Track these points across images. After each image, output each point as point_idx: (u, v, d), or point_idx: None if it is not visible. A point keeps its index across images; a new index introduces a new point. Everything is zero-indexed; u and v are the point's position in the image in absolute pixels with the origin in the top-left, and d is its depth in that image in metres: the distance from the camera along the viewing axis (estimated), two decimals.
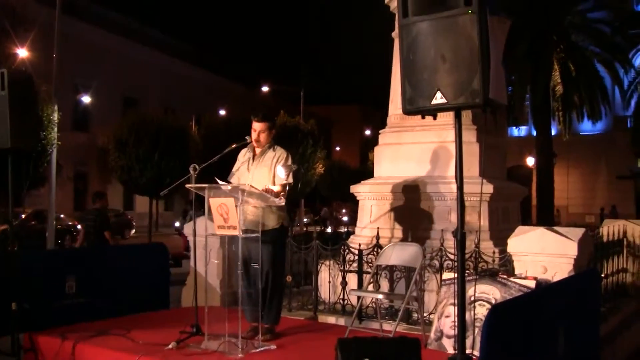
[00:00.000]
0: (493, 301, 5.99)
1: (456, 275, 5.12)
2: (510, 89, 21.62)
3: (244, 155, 7.11)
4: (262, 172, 6.83)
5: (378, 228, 8.41)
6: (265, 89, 51.13)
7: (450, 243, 7.39)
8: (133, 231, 35.33)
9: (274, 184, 6.70)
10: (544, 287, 5.91)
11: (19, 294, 6.66)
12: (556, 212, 35.21)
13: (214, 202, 6.27)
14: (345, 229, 23.16)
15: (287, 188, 6.69)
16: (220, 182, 6.33)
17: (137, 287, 8.12)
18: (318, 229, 16.37)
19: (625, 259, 10.03)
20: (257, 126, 6.89)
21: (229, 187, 6.31)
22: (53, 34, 20.13)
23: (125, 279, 8.05)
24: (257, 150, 6.96)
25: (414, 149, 8.96)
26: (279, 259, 6.91)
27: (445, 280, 6.74)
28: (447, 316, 6.34)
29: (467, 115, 8.54)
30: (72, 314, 7.27)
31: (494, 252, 7.65)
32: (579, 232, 6.42)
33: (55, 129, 18.75)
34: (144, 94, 43.48)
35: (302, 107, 43.34)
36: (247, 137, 6.93)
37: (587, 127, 26.77)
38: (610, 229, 9.56)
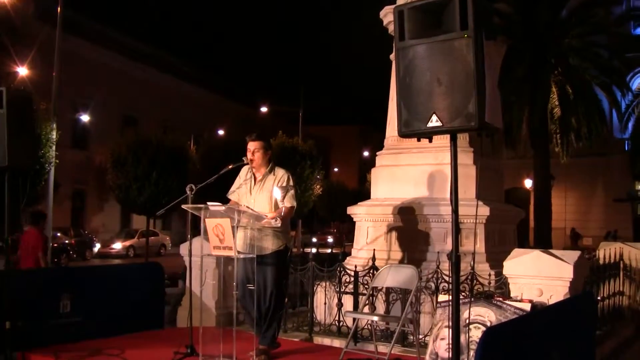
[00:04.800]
0: (488, 324, 5.97)
1: (451, 297, 5.11)
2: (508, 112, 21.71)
3: (245, 174, 7.11)
4: (263, 198, 6.85)
5: (374, 249, 8.40)
6: (264, 109, 51.22)
7: (446, 265, 7.37)
8: (96, 250, 34.15)
9: (274, 209, 6.71)
10: (539, 310, 5.90)
11: (12, 312, 6.63)
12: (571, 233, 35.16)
13: (210, 223, 6.27)
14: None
15: (284, 210, 6.66)
16: (210, 204, 6.32)
17: (132, 306, 8.11)
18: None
19: (622, 282, 10.02)
20: (251, 145, 6.92)
21: (223, 208, 6.31)
22: (53, 52, 20.22)
23: (120, 299, 8.04)
24: (258, 175, 6.97)
25: (411, 170, 8.98)
26: (281, 281, 6.90)
27: (440, 302, 6.72)
28: (443, 338, 6.31)
29: (464, 138, 8.56)
30: (66, 333, 7.26)
31: (489, 275, 7.63)
32: (575, 254, 6.42)
33: (54, 147, 18.78)
34: (143, 113, 43.57)
35: (301, 127, 43.41)
36: (243, 158, 6.95)
37: (584, 149, 26.80)
38: (606, 251, 9.56)
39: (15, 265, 12.32)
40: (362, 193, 29.35)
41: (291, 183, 6.86)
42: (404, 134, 4.49)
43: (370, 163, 10.39)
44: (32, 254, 11.86)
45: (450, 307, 4.58)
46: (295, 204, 6.80)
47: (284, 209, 6.56)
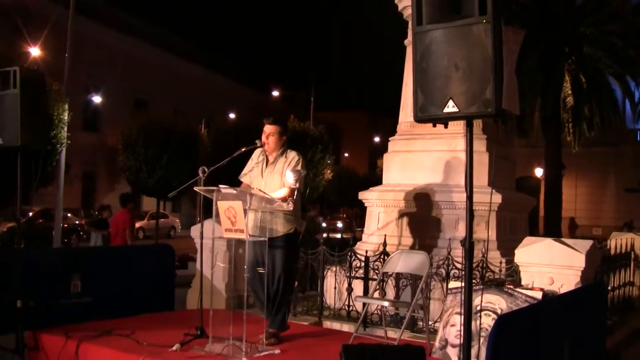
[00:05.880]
0: (499, 311, 5.97)
1: (463, 284, 5.10)
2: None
3: (258, 156, 7.08)
4: (274, 179, 6.82)
5: (385, 235, 8.40)
6: (275, 93, 51.13)
7: (457, 252, 7.38)
8: (106, 231, 33.88)
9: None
10: (550, 299, 5.89)
11: (24, 292, 6.65)
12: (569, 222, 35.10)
13: (222, 205, 6.26)
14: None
15: (296, 193, 6.65)
16: (222, 187, 6.31)
17: (143, 287, 8.13)
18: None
19: (633, 272, 10.00)
20: (267, 129, 6.88)
21: (235, 191, 6.30)
22: (66, 34, 20.20)
23: (131, 279, 8.06)
24: (270, 157, 6.95)
25: (424, 157, 8.95)
26: (290, 265, 6.89)
27: (451, 289, 6.72)
28: (453, 325, 6.32)
29: (477, 125, 8.53)
30: (76, 313, 7.27)
31: (501, 262, 7.63)
32: (587, 244, 6.40)
33: (65, 129, 18.80)
34: (155, 96, 43.55)
35: (312, 112, 43.29)
36: (256, 141, 6.93)
37: (596, 139, 26.73)
38: (618, 241, 9.53)
39: (107, 242, 14.06)
40: (372, 179, 29.23)
41: (300, 166, 6.83)
42: (420, 119, 4.47)
43: (381, 149, 10.38)
44: (120, 233, 13.28)
45: (462, 294, 4.57)
46: (301, 188, 6.79)
47: (288, 188, 6.56)
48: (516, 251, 6.52)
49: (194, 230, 9.02)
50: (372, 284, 7.90)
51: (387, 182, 9.43)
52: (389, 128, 10.53)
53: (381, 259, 7.99)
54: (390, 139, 9.66)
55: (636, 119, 30.69)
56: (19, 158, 6.93)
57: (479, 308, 6.02)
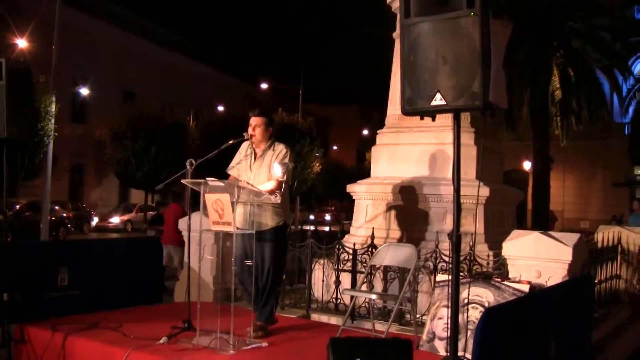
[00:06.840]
0: (486, 304, 5.98)
1: (450, 277, 5.11)
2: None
3: (246, 149, 7.07)
4: (262, 172, 6.82)
5: (373, 228, 8.39)
6: (264, 86, 51.06)
7: (445, 245, 7.36)
8: (94, 223, 33.90)
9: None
10: (537, 292, 5.90)
11: (10, 285, 6.62)
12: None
13: (210, 198, 6.24)
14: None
15: (283, 186, 6.65)
16: (210, 179, 6.29)
17: (130, 280, 8.10)
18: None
19: (619, 266, 10.03)
20: (253, 121, 6.88)
21: (223, 184, 6.29)
22: (53, 25, 20.09)
23: (119, 272, 8.02)
24: (258, 150, 6.94)
25: (412, 150, 8.95)
26: (279, 257, 6.89)
27: (439, 282, 6.73)
28: (440, 318, 6.32)
29: (465, 118, 8.53)
30: (63, 306, 7.24)
31: (488, 256, 7.63)
32: (574, 237, 6.40)
33: (53, 120, 18.73)
34: (143, 88, 43.39)
35: (301, 105, 43.25)
36: (244, 133, 6.91)
37: (584, 133, 26.81)
38: (605, 235, 9.56)
39: (159, 235, 14.09)
40: (361, 171, 29.31)
41: (287, 159, 6.83)
42: (407, 112, 4.46)
43: (369, 142, 10.37)
44: (171, 226, 13.17)
45: (449, 287, 4.57)
46: (289, 180, 6.78)
47: (276, 181, 6.56)
48: (504, 244, 6.52)
49: (182, 223, 8.99)
50: (360, 277, 7.90)
51: (375, 175, 9.43)
52: (379, 121, 10.52)
53: (369, 252, 7.99)
54: (378, 132, 9.65)
55: (624, 113, 30.86)
56: (5, 150, 6.89)
57: (466, 301, 6.03)
